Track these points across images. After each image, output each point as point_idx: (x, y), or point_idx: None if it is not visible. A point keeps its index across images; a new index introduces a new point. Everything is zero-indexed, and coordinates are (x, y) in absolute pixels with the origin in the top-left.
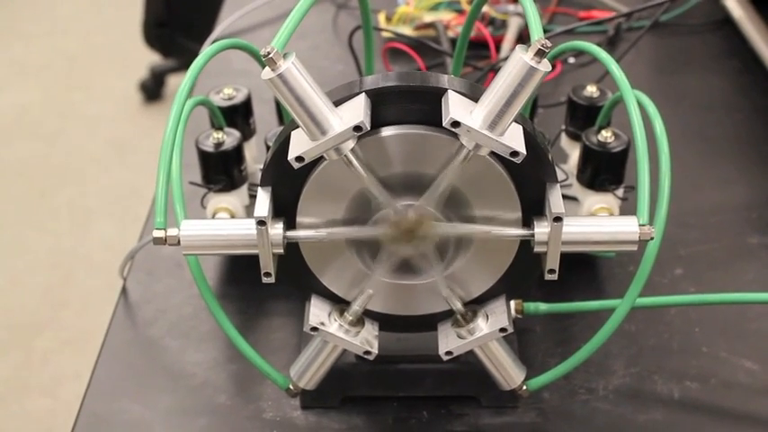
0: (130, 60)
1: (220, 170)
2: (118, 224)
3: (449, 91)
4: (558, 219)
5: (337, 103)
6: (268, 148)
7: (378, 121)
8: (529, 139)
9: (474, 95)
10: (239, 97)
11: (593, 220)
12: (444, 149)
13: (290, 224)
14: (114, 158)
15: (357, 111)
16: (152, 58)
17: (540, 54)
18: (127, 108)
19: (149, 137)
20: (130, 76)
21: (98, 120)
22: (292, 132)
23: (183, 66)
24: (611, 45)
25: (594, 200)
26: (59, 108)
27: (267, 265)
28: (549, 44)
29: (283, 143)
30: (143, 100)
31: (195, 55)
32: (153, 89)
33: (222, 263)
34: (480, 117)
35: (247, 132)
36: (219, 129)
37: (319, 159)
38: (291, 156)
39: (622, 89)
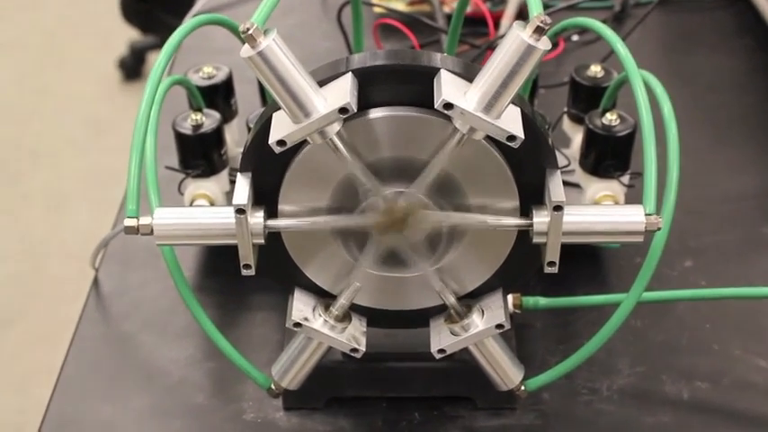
0: (108, 36)
1: (199, 154)
2: (95, 210)
3: (441, 70)
4: (558, 207)
5: (322, 83)
6: (250, 130)
7: (365, 102)
8: (527, 121)
9: (469, 75)
10: (220, 76)
11: (596, 210)
12: (436, 133)
13: (272, 212)
14: (91, 140)
15: (343, 91)
16: (131, 34)
17: (539, 31)
18: (105, 87)
19: (129, 117)
20: (109, 54)
21: (74, 99)
22: (274, 114)
23: (164, 42)
24: (616, 22)
25: (598, 187)
26: (33, 87)
27: (247, 257)
28: (548, 21)
29: (264, 126)
30: (122, 78)
31: None
32: (132, 67)
33: (200, 253)
34: (475, 99)
35: (228, 114)
36: (198, 110)
37: (303, 143)
38: (272, 139)
39: (628, 69)
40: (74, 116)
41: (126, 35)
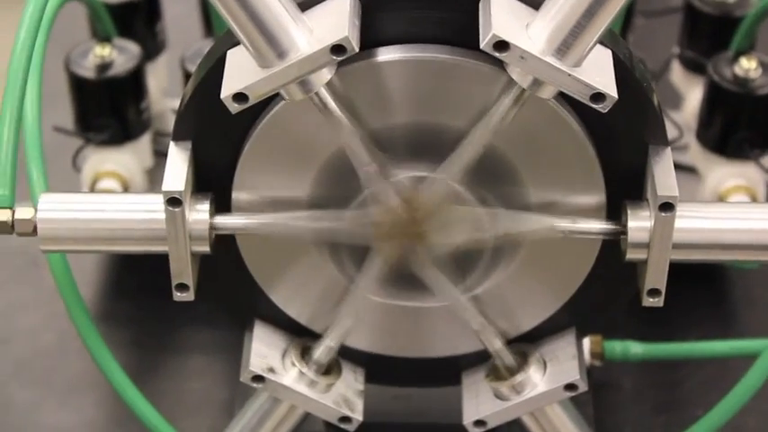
0: None
1: (106, 109)
2: None
3: None
4: (667, 206)
5: (306, 6)
6: (187, 75)
7: (372, 37)
8: (623, 72)
9: None
10: None
11: (723, 210)
12: (481, 87)
13: (223, 205)
14: None
15: (338, 19)
16: None
17: None
18: None
19: None
20: None
21: None
22: (228, 53)
23: None
24: None
25: (726, 173)
26: None
27: (183, 272)
28: None
29: (213, 70)
30: None
31: None
32: None
33: (108, 263)
34: (543, 35)
35: (152, 47)
36: (106, 40)
37: (273, 99)
38: (227, 92)
39: None
40: None
41: None
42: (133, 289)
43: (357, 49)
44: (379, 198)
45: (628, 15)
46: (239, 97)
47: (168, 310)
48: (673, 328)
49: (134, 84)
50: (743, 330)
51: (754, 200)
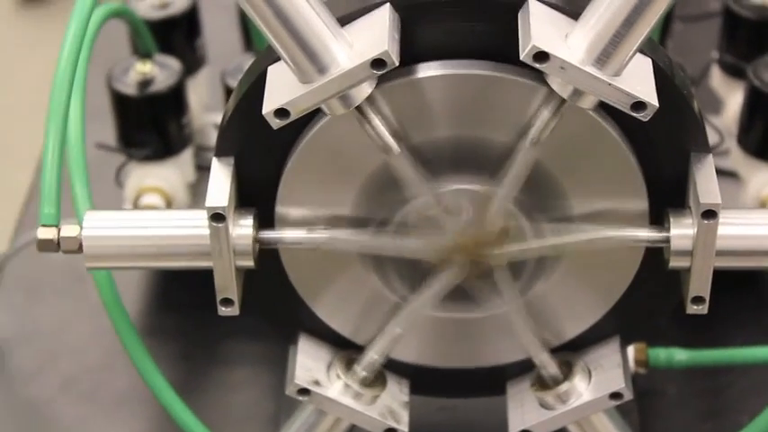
0: None
1: (148, 125)
2: None
3: (529, 0)
4: (710, 213)
5: (345, 20)
6: (228, 90)
7: (412, 52)
8: (663, 80)
9: (572, 8)
10: (179, 4)
11: (766, 216)
12: (522, 100)
13: (266, 220)
14: None
15: (377, 34)
16: None
17: None
18: None
19: (31, 58)
20: None
21: None
22: (269, 68)
23: None
24: None
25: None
26: None
27: (227, 287)
28: None
29: (254, 85)
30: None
31: None
32: None
33: (153, 278)
34: (582, 45)
35: (192, 62)
36: (146, 56)
37: (315, 115)
38: (268, 108)
39: None
40: None
41: None
42: (178, 303)
43: (397, 64)
44: (423, 211)
45: (666, 21)
46: (281, 113)
47: (213, 323)
48: (715, 334)
49: (175, 99)
50: None
51: None
